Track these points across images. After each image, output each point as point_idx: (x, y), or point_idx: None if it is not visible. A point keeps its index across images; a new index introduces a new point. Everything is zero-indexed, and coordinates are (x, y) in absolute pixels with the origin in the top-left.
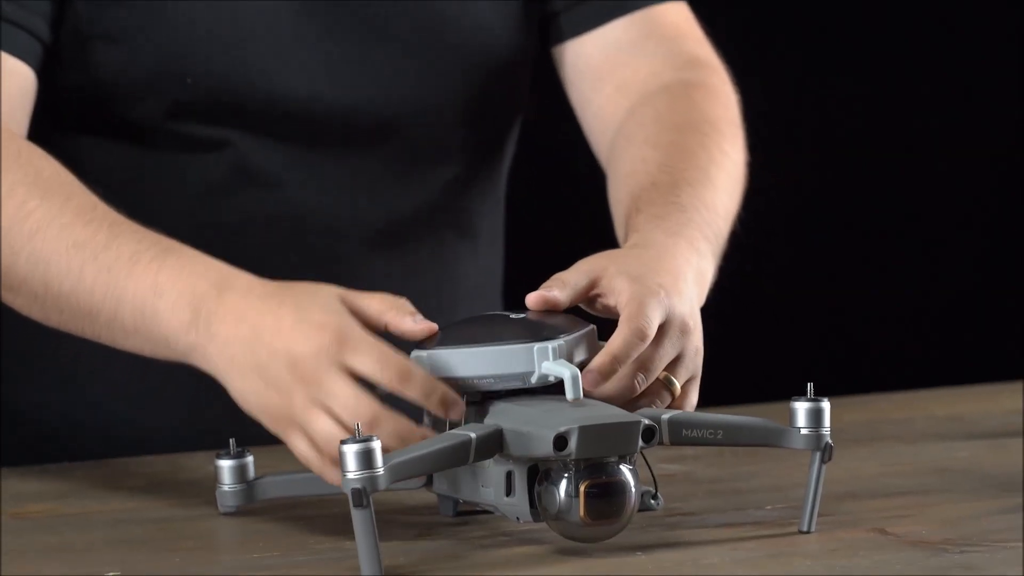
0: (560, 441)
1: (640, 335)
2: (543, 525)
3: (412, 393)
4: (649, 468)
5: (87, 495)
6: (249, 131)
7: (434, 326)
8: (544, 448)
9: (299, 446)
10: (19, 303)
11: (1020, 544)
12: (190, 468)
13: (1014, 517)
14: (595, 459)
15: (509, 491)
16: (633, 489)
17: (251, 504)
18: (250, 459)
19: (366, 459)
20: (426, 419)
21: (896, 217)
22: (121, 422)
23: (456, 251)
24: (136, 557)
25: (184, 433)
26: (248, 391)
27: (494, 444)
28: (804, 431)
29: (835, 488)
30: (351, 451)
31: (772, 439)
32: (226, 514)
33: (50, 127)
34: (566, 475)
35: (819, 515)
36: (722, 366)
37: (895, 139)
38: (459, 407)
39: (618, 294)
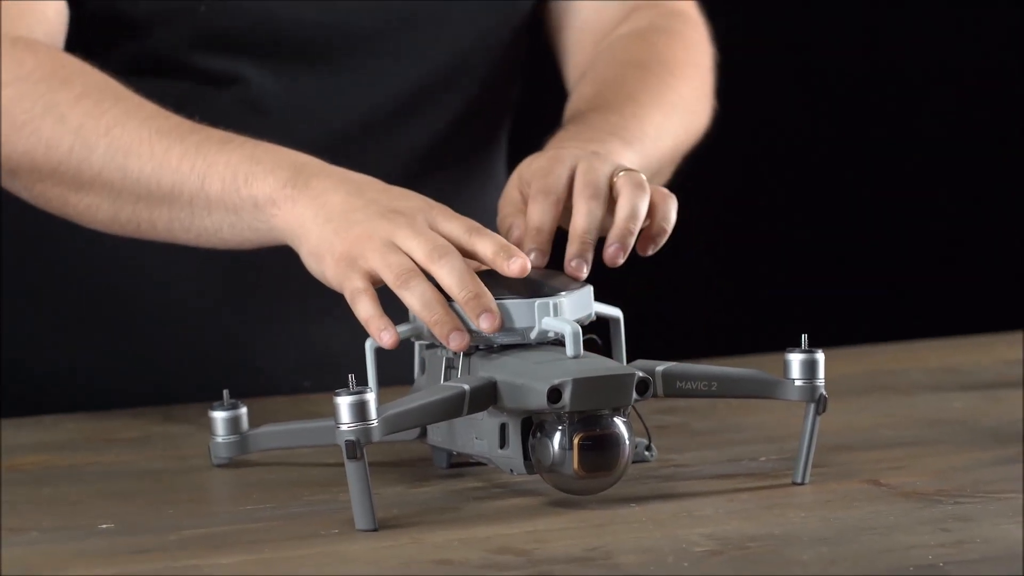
0: (554, 394)
1: (587, 192)
2: (537, 477)
3: (483, 248)
4: (642, 420)
5: (80, 447)
6: (260, 63)
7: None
8: (538, 401)
9: (357, 284)
10: (87, 202)
11: (1014, 495)
12: (184, 420)
13: (1009, 468)
14: (589, 411)
15: (503, 443)
16: (627, 441)
17: (245, 455)
18: (243, 410)
19: (360, 411)
20: (417, 372)
21: (891, 167)
22: (116, 374)
23: (461, 188)
24: (129, 509)
25: (178, 385)
26: (330, 232)
27: (488, 396)
28: (798, 383)
29: (829, 440)
30: (344, 403)
31: (766, 391)
32: (219, 466)
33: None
34: (560, 427)
35: (813, 467)
36: (716, 317)
37: (892, 82)
38: (495, 318)
39: (536, 179)
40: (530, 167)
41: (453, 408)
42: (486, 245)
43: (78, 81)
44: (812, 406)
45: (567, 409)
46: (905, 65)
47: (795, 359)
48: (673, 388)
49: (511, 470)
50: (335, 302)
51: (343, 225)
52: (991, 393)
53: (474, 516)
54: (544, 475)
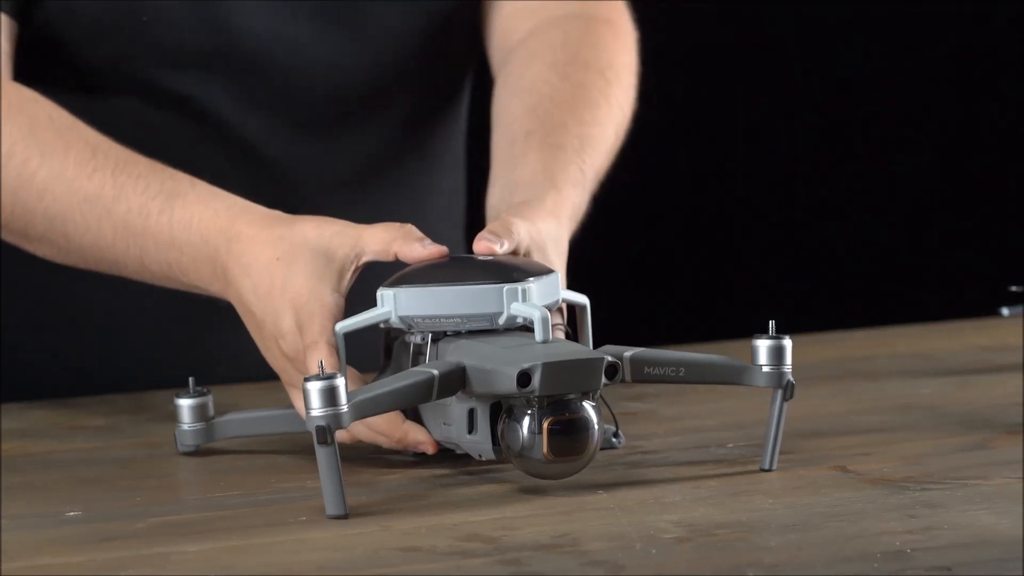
0: (524, 378)
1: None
2: (505, 464)
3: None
4: (609, 407)
5: (49, 434)
6: (207, 78)
7: (444, 248)
8: (508, 385)
9: (299, 404)
10: (41, 252)
11: (982, 482)
12: (153, 407)
13: (977, 454)
14: (558, 396)
15: (471, 428)
16: (596, 426)
17: (211, 443)
18: (209, 398)
19: (330, 396)
20: (383, 358)
21: (859, 153)
22: (89, 361)
23: (419, 177)
24: (98, 496)
25: (153, 372)
26: (257, 343)
27: (457, 381)
28: (766, 369)
29: (797, 426)
30: (315, 388)
31: (734, 377)
32: (186, 454)
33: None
34: (529, 412)
35: (781, 453)
36: (685, 304)
37: (859, 67)
38: (431, 447)
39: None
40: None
41: (422, 393)
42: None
43: (7, 124)
44: (779, 392)
45: (537, 393)
46: (868, 47)
47: (762, 345)
48: (641, 373)
49: (479, 455)
50: None
51: (264, 346)
52: (960, 379)
53: (442, 503)
54: (513, 460)
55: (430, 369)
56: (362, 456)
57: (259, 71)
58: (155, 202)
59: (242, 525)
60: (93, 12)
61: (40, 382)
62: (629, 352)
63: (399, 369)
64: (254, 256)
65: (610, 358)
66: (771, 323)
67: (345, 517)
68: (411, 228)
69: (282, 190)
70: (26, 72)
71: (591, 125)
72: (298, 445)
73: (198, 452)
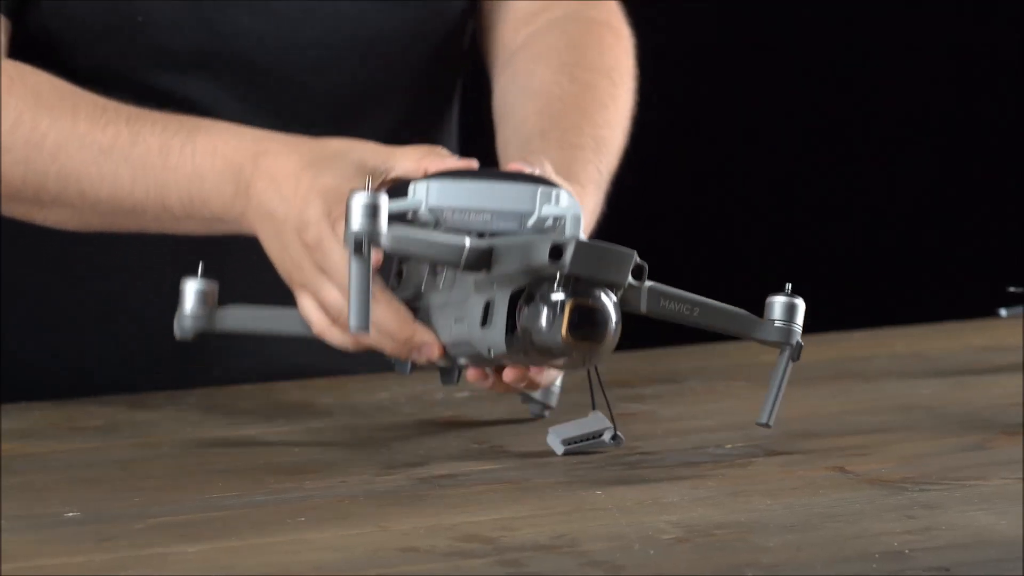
0: (556, 251)
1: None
2: (503, 463)
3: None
4: (609, 407)
5: (47, 435)
6: (202, 78)
7: (474, 161)
8: (540, 257)
9: (307, 306)
10: (53, 218)
11: (980, 482)
12: (150, 408)
13: (975, 455)
14: (584, 282)
15: (486, 321)
16: (615, 320)
17: (209, 331)
18: (216, 287)
19: (372, 213)
20: (393, 283)
21: (858, 153)
22: (87, 361)
23: None
24: (96, 497)
25: (152, 373)
26: (272, 252)
27: (483, 258)
28: (777, 324)
29: (795, 426)
30: (358, 203)
31: (746, 328)
32: (182, 339)
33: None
34: (554, 292)
35: (779, 453)
36: None
37: (861, 72)
38: (435, 348)
39: None
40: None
41: (452, 254)
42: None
43: (11, 97)
44: (787, 349)
45: (566, 269)
46: (868, 47)
47: (777, 302)
48: (657, 305)
49: (489, 351)
50: None
51: (279, 248)
52: (958, 380)
53: (441, 504)
54: (525, 349)
55: (462, 237)
56: (359, 457)
57: (253, 72)
58: (176, 139)
59: (240, 526)
60: (88, 13)
61: (39, 382)
62: (648, 284)
63: (414, 286)
64: (280, 167)
65: (639, 259)
66: (788, 285)
67: (366, 331)
68: (441, 148)
69: None
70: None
71: (603, 127)
72: (296, 445)
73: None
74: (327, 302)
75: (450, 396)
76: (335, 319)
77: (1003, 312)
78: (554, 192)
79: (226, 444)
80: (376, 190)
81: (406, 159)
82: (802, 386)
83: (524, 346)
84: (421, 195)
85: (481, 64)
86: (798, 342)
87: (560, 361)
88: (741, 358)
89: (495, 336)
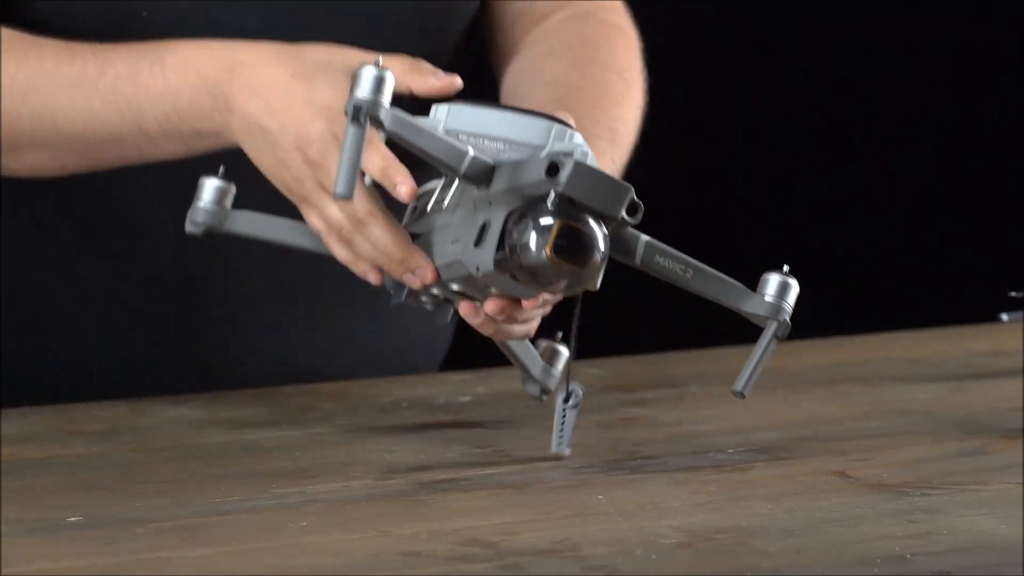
0: (553, 167)
1: None
2: (504, 468)
3: (369, 166)
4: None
5: (48, 439)
6: None
7: (456, 78)
8: (536, 173)
9: (312, 219)
10: (30, 163)
11: (980, 487)
12: (151, 413)
13: (975, 459)
14: (578, 207)
15: (480, 241)
16: (602, 249)
17: (218, 231)
18: (233, 188)
19: (377, 86)
20: (407, 220)
21: (856, 157)
22: (81, 367)
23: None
24: (97, 501)
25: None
26: (265, 166)
27: (483, 173)
28: (768, 298)
29: (795, 431)
30: (368, 74)
31: (736, 299)
32: (190, 233)
33: None
34: (545, 212)
35: (778, 459)
36: (683, 306)
37: (861, 72)
38: (407, 187)
39: None
40: None
41: (454, 157)
42: (373, 164)
43: None
44: (773, 324)
45: (561, 187)
46: (868, 47)
47: (772, 278)
48: (652, 260)
49: (477, 269)
50: (309, 310)
51: (273, 163)
52: (957, 385)
53: (442, 508)
54: (512, 270)
55: (466, 146)
56: (360, 462)
57: None
58: (144, 61)
59: (242, 530)
60: (89, 12)
61: (39, 385)
62: (645, 237)
63: (419, 214)
64: (261, 78)
65: (636, 197)
66: (785, 267)
67: (349, 198)
68: (423, 62)
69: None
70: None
71: (617, 121)
72: (298, 450)
73: (204, 235)
74: (330, 218)
75: (452, 400)
76: (339, 235)
77: (1004, 317)
78: (568, 132)
79: (228, 448)
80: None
81: (392, 68)
82: (802, 390)
83: (510, 265)
84: (441, 116)
85: (482, 62)
86: (786, 321)
87: (543, 285)
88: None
89: (485, 255)
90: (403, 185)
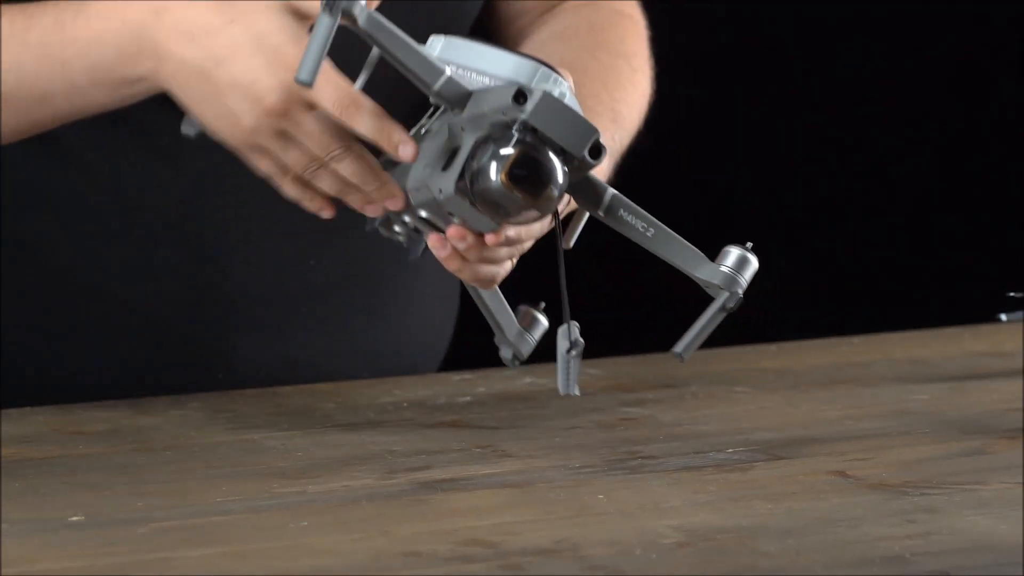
0: (520, 96)
1: None
2: (504, 467)
3: (361, 127)
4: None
5: (50, 440)
6: None
7: None
8: (503, 99)
9: (262, 164)
10: None
11: (980, 487)
12: (152, 413)
13: (974, 460)
14: (542, 139)
15: (447, 166)
16: (559, 183)
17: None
18: None
19: None
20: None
21: (855, 157)
22: (81, 368)
23: None
24: (99, 502)
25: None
26: (207, 115)
27: (458, 96)
28: (723, 269)
29: (795, 431)
30: None
31: (693, 264)
32: (185, 135)
33: None
34: (508, 139)
35: (779, 459)
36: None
37: (861, 72)
38: (410, 147)
39: None
40: None
41: (430, 71)
42: (362, 124)
43: None
44: (724, 295)
45: (526, 115)
46: (869, 52)
47: (732, 250)
48: (615, 214)
49: (439, 191)
50: (309, 310)
51: (217, 113)
52: (957, 385)
53: (443, 508)
54: (471, 195)
55: (444, 66)
56: (361, 463)
57: None
58: (67, 12)
59: (243, 530)
60: None
61: (40, 386)
62: (615, 191)
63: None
64: (193, 21)
65: (603, 139)
66: (749, 243)
67: (309, 85)
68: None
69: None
70: None
71: (620, 103)
72: (300, 450)
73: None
74: (289, 163)
75: (452, 400)
76: (295, 176)
77: (1003, 317)
78: (554, 76)
79: (228, 448)
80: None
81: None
82: (802, 390)
83: (470, 189)
84: (436, 45)
85: None
86: (738, 293)
87: (499, 214)
88: (742, 363)
89: (449, 178)
90: (405, 145)
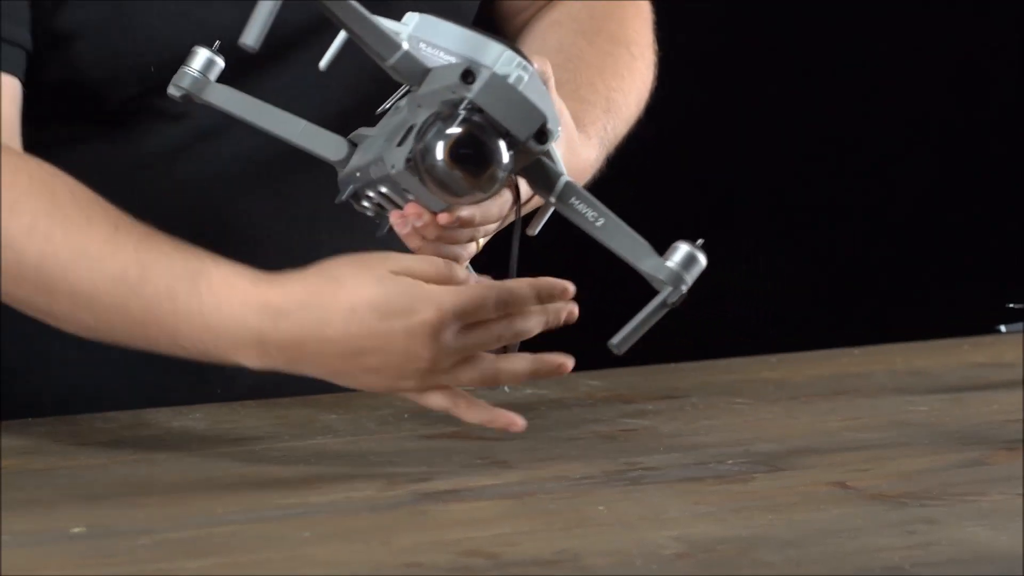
0: (468, 74)
1: None
2: (505, 479)
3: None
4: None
5: (51, 451)
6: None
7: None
8: (451, 77)
9: (434, 401)
10: (73, 329)
11: (979, 498)
12: (154, 424)
13: (974, 471)
14: (487, 120)
15: (402, 141)
16: (501, 164)
17: (197, 98)
18: (222, 65)
19: None
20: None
21: (855, 167)
22: (83, 379)
23: None
24: (101, 513)
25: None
26: (358, 385)
27: (416, 71)
28: (669, 264)
29: (795, 442)
30: None
31: (640, 257)
32: (171, 95)
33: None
34: (455, 117)
35: (780, 470)
36: (683, 319)
37: (862, 74)
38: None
39: None
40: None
41: (387, 45)
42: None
43: (29, 199)
44: (668, 290)
45: (472, 95)
46: (871, 52)
47: (681, 247)
48: (567, 201)
49: (392, 167)
50: None
51: (371, 382)
52: (956, 396)
53: (443, 519)
54: (418, 171)
55: (404, 41)
56: (362, 474)
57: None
58: (182, 284)
59: (244, 542)
60: (138, 53)
61: (42, 397)
62: (570, 178)
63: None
64: (317, 325)
65: (550, 124)
66: (700, 240)
67: (254, 50)
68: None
69: (275, 188)
70: (47, 111)
71: (617, 91)
72: (301, 461)
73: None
74: (465, 381)
75: None
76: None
77: (1003, 328)
78: (519, 60)
79: (230, 460)
80: None
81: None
82: (802, 402)
83: (417, 165)
84: (409, 22)
85: None
86: (681, 290)
87: (444, 192)
88: (743, 374)
89: (401, 153)
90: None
